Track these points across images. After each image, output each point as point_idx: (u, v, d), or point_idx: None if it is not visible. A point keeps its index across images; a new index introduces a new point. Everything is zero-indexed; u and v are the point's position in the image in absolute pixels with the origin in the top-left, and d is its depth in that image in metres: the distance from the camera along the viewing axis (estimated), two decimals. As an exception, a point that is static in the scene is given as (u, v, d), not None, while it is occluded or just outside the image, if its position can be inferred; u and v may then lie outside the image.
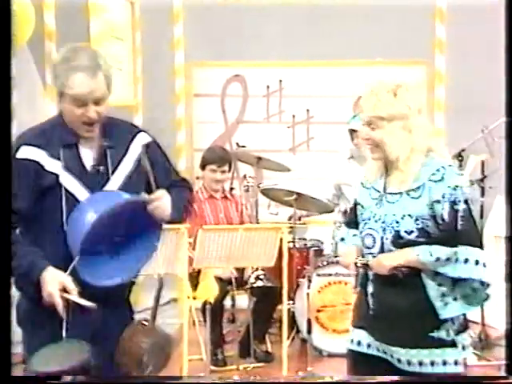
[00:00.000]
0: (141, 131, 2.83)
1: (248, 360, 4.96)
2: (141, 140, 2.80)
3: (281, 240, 4.51)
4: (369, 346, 2.72)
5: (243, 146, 6.10)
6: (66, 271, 2.56)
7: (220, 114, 6.83)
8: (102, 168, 2.69)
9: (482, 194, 5.31)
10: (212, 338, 4.81)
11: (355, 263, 2.69)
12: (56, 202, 2.63)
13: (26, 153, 2.64)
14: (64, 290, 2.54)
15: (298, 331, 5.24)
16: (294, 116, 6.70)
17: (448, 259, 2.55)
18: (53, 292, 2.53)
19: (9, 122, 2.42)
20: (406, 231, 2.59)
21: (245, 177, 5.83)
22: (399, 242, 2.60)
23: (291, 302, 5.15)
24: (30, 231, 2.68)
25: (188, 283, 4.67)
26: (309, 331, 4.86)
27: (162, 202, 2.68)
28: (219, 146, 5.88)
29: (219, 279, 4.90)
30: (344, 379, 2.65)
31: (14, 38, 5.03)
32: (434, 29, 6.48)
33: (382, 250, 2.64)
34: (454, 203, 2.57)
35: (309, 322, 4.89)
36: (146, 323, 2.87)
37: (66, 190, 2.64)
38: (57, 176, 2.63)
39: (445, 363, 2.61)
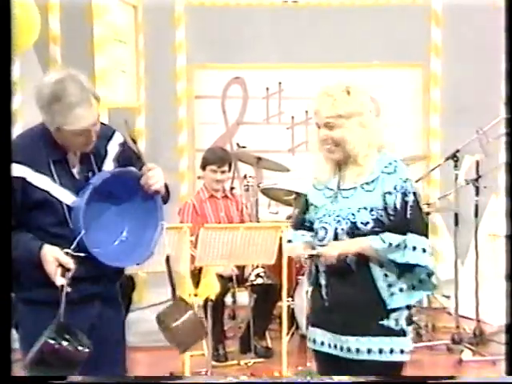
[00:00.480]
0: (115, 131, 2.84)
1: (249, 355, 4.97)
2: (117, 140, 2.81)
3: (280, 238, 4.52)
4: (322, 343, 2.77)
5: (243, 147, 6.11)
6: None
7: (221, 115, 6.83)
8: (89, 174, 2.70)
9: (477, 194, 5.32)
10: (213, 334, 4.82)
11: (305, 256, 2.73)
12: (49, 213, 2.63)
13: (11, 169, 2.60)
14: (61, 265, 2.54)
15: (298, 327, 5.25)
16: (292, 117, 6.71)
17: (398, 246, 2.63)
18: (51, 272, 2.54)
19: (9, 122, 2.41)
20: (362, 222, 2.66)
21: (245, 177, 5.84)
22: (355, 233, 2.67)
23: (291, 299, 5.16)
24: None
25: (190, 281, 4.67)
26: (308, 327, 4.86)
27: (154, 172, 2.70)
28: (220, 147, 5.89)
29: (220, 277, 4.91)
30: (344, 379, 2.65)
31: (20, 41, 5.06)
32: (429, 32, 6.48)
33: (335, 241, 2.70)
34: (404, 194, 2.65)
35: (308, 318, 4.89)
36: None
37: (60, 201, 2.63)
38: (47, 192, 2.62)
39: (392, 351, 2.66)
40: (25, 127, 5.36)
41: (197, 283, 4.80)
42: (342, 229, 2.68)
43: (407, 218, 2.65)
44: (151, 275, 5.94)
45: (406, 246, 2.63)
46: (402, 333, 2.68)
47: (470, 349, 5.08)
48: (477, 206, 5.35)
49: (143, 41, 6.42)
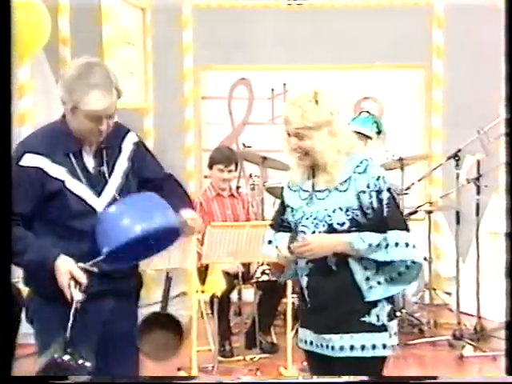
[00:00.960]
0: (129, 131, 2.84)
1: (254, 351, 4.98)
2: (131, 139, 2.82)
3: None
4: (311, 343, 2.75)
5: (249, 147, 6.12)
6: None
7: (227, 115, 6.84)
8: (103, 168, 2.71)
9: (478, 193, 5.31)
10: (219, 329, 4.83)
11: (289, 251, 2.68)
12: (63, 205, 2.64)
13: (29, 161, 2.63)
14: (73, 278, 2.55)
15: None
16: (297, 117, 6.70)
17: (379, 245, 2.60)
18: (64, 284, 2.55)
19: (9, 123, 2.41)
20: (338, 223, 2.63)
21: (251, 176, 5.85)
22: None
23: (295, 295, 5.16)
24: (36, 232, 2.67)
25: (196, 277, 4.68)
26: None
27: (196, 223, 2.74)
28: (226, 147, 5.89)
29: (226, 274, 4.92)
30: (345, 379, 2.65)
31: (30, 43, 5.08)
32: (431, 33, 6.48)
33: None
34: (378, 192, 2.63)
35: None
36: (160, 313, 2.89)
37: (73, 193, 2.65)
38: (62, 182, 2.64)
39: (374, 347, 2.65)
40: (35, 128, 5.37)
41: (203, 280, 4.81)
42: (320, 231, 2.65)
43: (384, 216, 2.62)
44: (159, 272, 5.94)
45: (388, 244, 2.60)
46: (383, 328, 2.66)
47: (471, 344, 5.07)
48: (478, 205, 5.34)
49: (151, 43, 6.43)
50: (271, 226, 2.89)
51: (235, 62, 6.71)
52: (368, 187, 2.63)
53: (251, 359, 4.88)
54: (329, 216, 2.64)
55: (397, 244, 2.61)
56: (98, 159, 2.72)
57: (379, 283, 2.65)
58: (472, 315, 5.42)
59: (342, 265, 2.65)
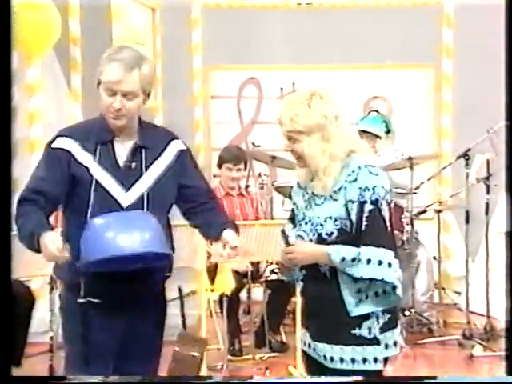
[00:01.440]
0: (177, 138, 2.83)
1: (263, 350, 4.97)
2: (177, 145, 2.80)
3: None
4: (309, 345, 2.70)
5: (258, 146, 6.11)
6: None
7: (236, 115, 6.83)
8: (133, 165, 2.69)
9: (488, 192, 5.29)
10: (229, 328, 4.83)
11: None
12: (85, 192, 2.64)
13: (59, 143, 2.67)
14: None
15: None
16: (306, 117, 6.69)
17: (353, 259, 2.49)
18: (46, 256, 2.51)
19: (9, 123, 2.42)
20: (326, 233, 2.55)
21: (260, 175, 5.84)
22: (322, 244, 2.57)
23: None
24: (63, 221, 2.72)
25: (206, 276, 4.68)
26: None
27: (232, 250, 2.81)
28: (235, 146, 5.89)
29: (236, 273, 4.92)
30: (345, 379, 2.58)
31: (40, 43, 5.09)
32: (441, 33, 6.46)
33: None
34: (362, 204, 2.51)
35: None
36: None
37: (97, 182, 2.64)
38: (87, 168, 2.65)
39: (365, 361, 2.55)
40: (46, 127, 5.42)
41: (213, 279, 4.80)
42: (311, 239, 2.60)
43: (362, 230, 2.50)
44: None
45: (360, 260, 2.49)
46: (375, 341, 2.55)
47: (480, 344, 5.05)
48: (487, 204, 5.32)
49: (161, 42, 6.43)
50: (290, 219, 2.81)
51: (244, 61, 6.71)
52: (354, 197, 2.52)
53: (260, 358, 4.88)
54: (321, 225, 2.57)
55: (369, 261, 2.49)
56: (131, 155, 2.70)
57: (367, 297, 2.55)
58: (482, 315, 5.40)
59: (334, 274, 2.57)
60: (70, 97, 5.76)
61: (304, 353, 2.76)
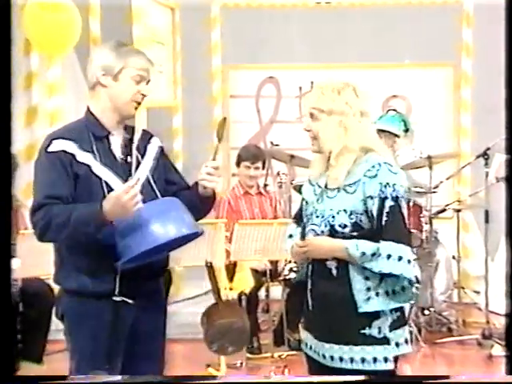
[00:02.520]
0: (153, 135, 2.89)
1: (282, 348, 4.96)
2: (156, 142, 2.86)
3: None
4: (311, 347, 2.68)
5: (277, 145, 6.10)
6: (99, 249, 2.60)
7: (255, 114, 6.83)
8: (129, 158, 2.74)
9: (507, 191, 5.23)
10: (248, 326, 4.82)
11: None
12: (90, 190, 2.64)
13: (57, 145, 2.67)
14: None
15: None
16: (325, 116, 6.68)
17: (373, 254, 2.49)
18: (126, 208, 2.50)
19: (9, 122, 2.42)
20: (339, 225, 2.55)
21: (278, 174, 5.83)
22: (334, 236, 2.57)
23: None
24: None
25: (225, 275, 4.68)
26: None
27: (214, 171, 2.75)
28: (253, 144, 5.89)
29: (254, 271, 4.92)
30: (348, 379, 2.56)
31: (61, 43, 5.11)
32: (460, 32, 6.41)
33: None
34: (382, 200, 2.52)
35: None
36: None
37: (101, 179, 2.66)
38: (89, 166, 2.66)
39: (375, 360, 2.53)
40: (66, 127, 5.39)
41: (231, 277, 4.81)
42: (322, 231, 2.59)
43: (382, 225, 2.50)
44: (187, 269, 5.97)
45: (380, 255, 2.49)
46: (385, 341, 2.54)
47: (500, 344, 5.01)
48: (506, 203, 5.27)
49: (180, 42, 6.44)
50: (294, 219, 2.85)
51: (263, 60, 6.70)
52: (375, 193, 2.52)
53: (279, 356, 4.87)
54: (333, 217, 2.57)
55: (389, 256, 2.49)
56: (124, 149, 2.74)
57: (377, 295, 2.53)
58: (501, 314, 5.35)
59: (343, 271, 2.57)
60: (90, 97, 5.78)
61: (306, 355, 2.73)
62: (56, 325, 4.70)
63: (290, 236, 2.80)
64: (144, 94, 2.73)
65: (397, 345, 2.57)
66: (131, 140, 2.76)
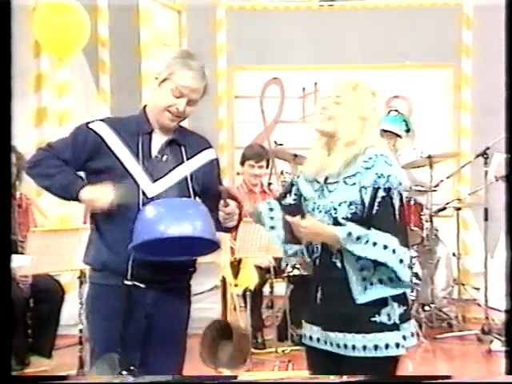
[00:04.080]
0: (211, 147, 2.86)
1: (286, 343, 4.97)
2: (209, 154, 2.83)
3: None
4: (318, 340, 2.65)
5: (281, 144, 6.11)
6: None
7: (259, 114, 6.84)
8: (165, 157, 2.72)
9: (506, 190, 5.23)
10: (252, 322, 4.83)
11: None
12: (114, 180, 2.63)
13: (96, 126, 2.70)
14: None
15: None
16: (328, 116, 6.68)
17: (358, 238, 2.49)
18: (97, 207, 2.60)
19: (9, 122, 2.42)
20: (342, 217, 2.55)
21: (282, 173, 5.82)
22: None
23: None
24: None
25: (230, 271, 4.69)
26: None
27: (231, 209, 2.68)
28: (258, 144, 5.89)
29: (259, 268, 4.92)
30: (348, 379, 2.55)
31: (70, 45, 5.12)
32: (460, 34, 6.41)
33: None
34: (375, 189, 2.52)
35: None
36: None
37: (128, 172, 2.66)
38: (117, 157, 2.66)
39: (387, 346, 2.53)
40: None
41: (236, 274, 4.81)
42: (328, 224, 2.56)
43: (372, 213, 2.51)
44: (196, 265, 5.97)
45: (367, 241, 2.48)
46: (395, 327, 2.55)
47: (499, 339, 5.01)
48: (506, 202, 5.26)
49: (186, 43, 6.45)
50: (278, 200, 2.78)
51: (267, 62, 6.71)
52: (369, 183, 2.53)
53: (283, 351, 4.87)
54: (334, 209, 2.57)
55: (375, 244, 2.49)
56: (165, 148, 2.73)
57: (372, 284, 2.54)
58: (500, 310, 5.35)
59: (348, 262, 2.55)
60: (99, 98, 5.80)
61: (310, 349, 2.71)
62: (66, 320, 4.73)
63: (271, 209, 2.75)
64: (179, 108, 2.68)
65: (404, 338, 2.58)
66: (174, 141, 2.74)
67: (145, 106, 2.79)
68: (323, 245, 2.61)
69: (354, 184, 2.56)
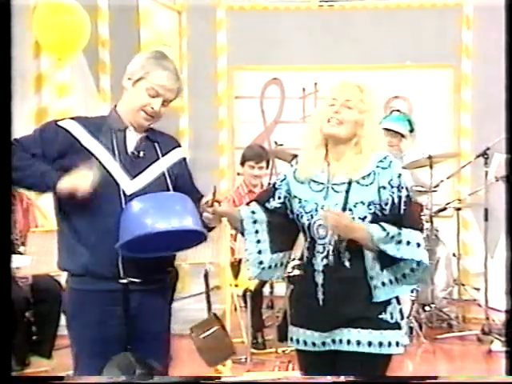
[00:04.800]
0: (179, 146, 2.87)
1: (286, 343, 4.95)
2: (178, 153, 2.84)
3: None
4: (313, 344, 2.64)
5: (281, 145, 6.09)
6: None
7: (259, 114, 6.84)
8: (141, 153, 2.72)
9: (506, 190, 5.23)
10: (252, 322, 4.83)
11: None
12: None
13: (67, 124, 2.68)
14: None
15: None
16: (328, 116, 6.68)
17: (393, 237, 2.52)
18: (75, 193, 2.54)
19: (9, 121, 2.42)
20: (360, 217, 2.55)
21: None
22: None
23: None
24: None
25: (230, 272, 4.68)
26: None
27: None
28: (258, 144, 5.89)
29: (259, 268, 4.91)
30: (345, 379, 2.54)
31: (70, 46, 5.12)
32: (460, 34, 6.41)
33: (337, 239, 2.58)
34: (398, 189, 2.57)
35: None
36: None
37: (105, 168, 2.64)
38: (93, 154, 2.64)
39: (389, 344, 2.57)
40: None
41: (236, 274, 4.81)
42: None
43: (401, 213, 2.55)
44: (193, 266, 5.97)
45: (400, 241, 2.52)
46: (397, 326, 2.59)
47: (499, 339, 5.01)
48: (506, 202, 5.26)
49: (186, 44, 6.45)
50: (257, 201, 2.74)
51: (267, 62, 6.71)
52: (389, 183, 2.56)
53: (283, 351, 4.87)
54: (350, 210, 2.56)
55: (408, 242, 2.53)
56: (140, 145, 2.72)
57: (383, 284, 2.57)
58: (500, 310, 5.35)
59: (356, 261, 2.57)
60: (99, 98, 5.79)
61: (303, 353, 2.69)
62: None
63: (253, 212, 2.71)
64: (154, 108, 2.68)
65: (405, 332, 2.63)
66: (148, 138, 2.75)
67: (115, 105, 2.78)
68: (336, 243, 2.59)
69: (371, 184, 2.58)
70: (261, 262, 2.74)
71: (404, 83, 6.59)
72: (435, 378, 2.58)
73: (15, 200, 4.56)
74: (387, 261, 2.55)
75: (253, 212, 2.71)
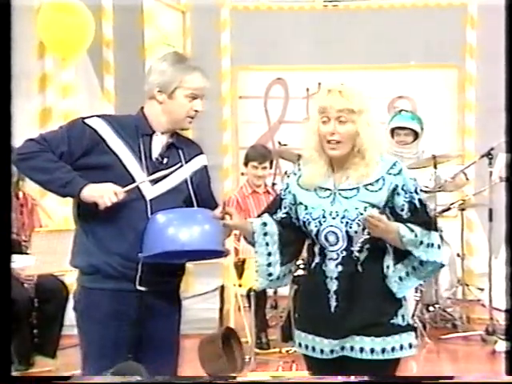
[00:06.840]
0: (203, 153, 2.87)
1: (290, 343, 4.96)
2: (202, 160, 2.84)
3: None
4: (321, 351, 2.61)
5: (285, 145, 6.10)
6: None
7: (263, 114, 6.84)
8: (165, 160, 2.72)
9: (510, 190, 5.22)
10: (256, 322, 4.83)
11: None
12: (112, 179, 2.61)
13: (94, 122, 2.67)
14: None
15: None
16: (332, 116, 6.67)
17: (422, 241, 2.53)
18: (100, 202, 2.56)
19: (9, 122, 2.42)
20: None
21: (286, 173, 5.81)
22: (363, 231, 2.54)
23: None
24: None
25: (234, 272, 4.69)
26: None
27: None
28: (261, 145, 5.89)
29: (263, 268, 4.91)
30: (348, 379, 2.52)
31: (75, 46, 5.13)
32: (465, 34, 6.40)
33: (349, 244, 2.55)
34: (415, 193, 2.57)
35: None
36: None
37: (129, 172, 2.65)
38: (117, 156, 2.64)
39: (402, 348, 2.57)
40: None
41: (240, 274, 4.81)
42: (356, 231, 2.53)
43: (423, 216, 2.55)
44: (197, 266, 5.97)
45: (428, 244, 2.54)
46: (409, 328, 2.60)
47: (503, 340, 5.00)
48: (507, 204, 5.26)
49: (190, 44, 6.45)
50: (268, 212, 2.71)
51: (271, 62, 6.71)
52: (403, 189, 2.54)
53: (287, 351, 4.87)
54: (361, 214, 2.52)
55: (432, 245, 2.55)
56: (165, 152, 2.73)
57: (401, 279, 2.57)
58: (504, 311, 5.34)
59: (369, 265, 2.56)
60: (103, 98, 5.81)
61: (313, 359, 2.66)
62: (70, 320, 4.73)
63: (265, 224, 2.67)
64: (197, 109, 2.73)
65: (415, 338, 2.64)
66: (173, 144, 2.75)
67: (142, 107, 2.76)
68: (348, 249, 2.56)
69: (380, 189, 2.56)
70: (270, 274, 2.69)
71: (408, 83, 6.59)
72: (450, 378, 2.57)
73: (18, 200, 4.56)
74: (400, 255, 2.56)
75: (264, 224, 2.68)
